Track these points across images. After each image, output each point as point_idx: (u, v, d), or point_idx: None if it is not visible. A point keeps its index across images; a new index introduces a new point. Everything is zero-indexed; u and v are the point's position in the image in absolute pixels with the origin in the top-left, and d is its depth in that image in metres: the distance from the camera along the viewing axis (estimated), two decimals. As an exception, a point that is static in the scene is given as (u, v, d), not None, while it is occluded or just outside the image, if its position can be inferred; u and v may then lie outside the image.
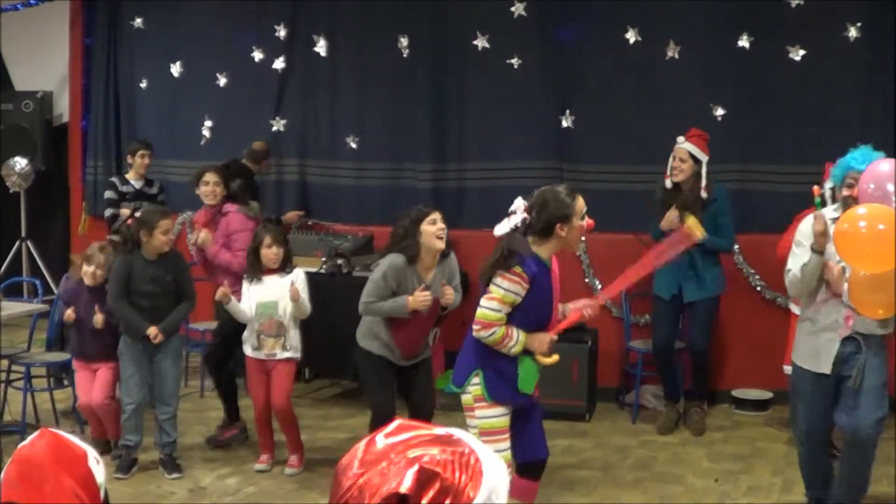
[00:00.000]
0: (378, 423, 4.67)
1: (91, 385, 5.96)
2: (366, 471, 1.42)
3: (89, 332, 5.89)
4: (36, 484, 1.88)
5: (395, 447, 1.44)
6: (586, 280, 7.24)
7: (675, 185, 6.33)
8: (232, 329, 6.03)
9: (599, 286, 7.24)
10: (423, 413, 5.23)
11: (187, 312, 5.98)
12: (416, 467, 1.39)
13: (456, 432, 1.49)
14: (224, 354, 6.31)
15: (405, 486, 1.38)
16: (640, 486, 5.65)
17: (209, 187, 6.35)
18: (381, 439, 1.47)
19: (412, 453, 1.42)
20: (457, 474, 1.41)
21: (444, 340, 6.77)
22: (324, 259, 7.01)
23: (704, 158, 6.27)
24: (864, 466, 4.80)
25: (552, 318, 4.38)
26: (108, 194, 7.77)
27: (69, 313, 6.00)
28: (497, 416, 4.35)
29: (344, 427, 6.66)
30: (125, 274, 5.64)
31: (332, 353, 6.87)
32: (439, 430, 1.49)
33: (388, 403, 5.25)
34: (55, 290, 7.67)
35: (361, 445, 1.47)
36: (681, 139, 6.33)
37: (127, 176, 7.89)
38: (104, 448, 6.05)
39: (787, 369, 6.00)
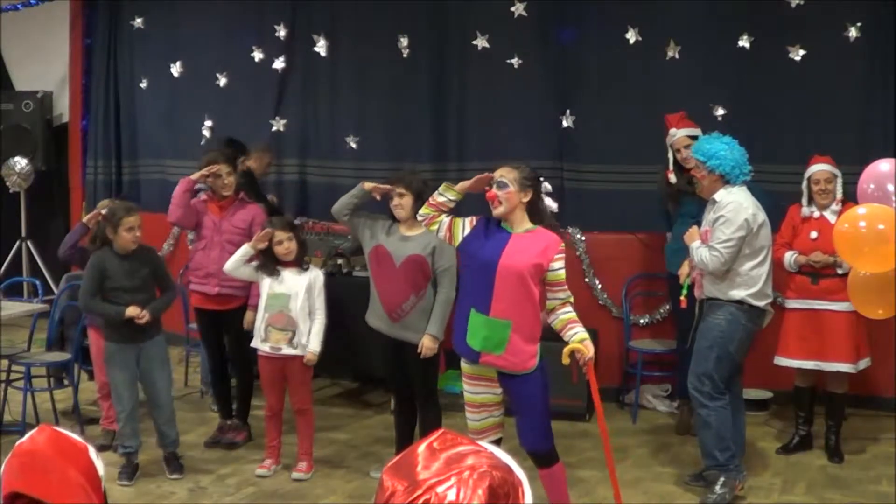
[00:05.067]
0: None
1: None
2: (431, 483, 1.46)
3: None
4: (41, 473, 1.86)
5: (453, 460, 1.48)
6: (586, 280, 7.23)
7: (680, 173, 6.23)
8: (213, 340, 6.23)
9: (599, 286, 7.25)
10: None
11: (170, 302, 5.77)
12: (486, 483, 1.45)
13: (495, 450, 1.55)
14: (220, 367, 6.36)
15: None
16: (640, 486, 5.65)
17: (223, 179, 6.12)
18: (435, 450, 1.51)
19: (478, 470, 1.46)
20: (511, 494, 1.48)
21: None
22: (324, 259, 7.01)
23: (700, 133, 6.19)
24: (698, 421, 5.33)
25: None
26: None
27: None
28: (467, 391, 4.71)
29: (344, 427, 6.66)
30: (99, 272, 5.50)
31: (332, 353, 6.86)
32: (480, 446, 1.54)
33: None
34: (55, 290, 7.67)
35: (420, 456, 1.50)
36: (672, 131, 6.29)
37: None
38: (110, 440, 6.04)
39: (779, 361, 6.02)
